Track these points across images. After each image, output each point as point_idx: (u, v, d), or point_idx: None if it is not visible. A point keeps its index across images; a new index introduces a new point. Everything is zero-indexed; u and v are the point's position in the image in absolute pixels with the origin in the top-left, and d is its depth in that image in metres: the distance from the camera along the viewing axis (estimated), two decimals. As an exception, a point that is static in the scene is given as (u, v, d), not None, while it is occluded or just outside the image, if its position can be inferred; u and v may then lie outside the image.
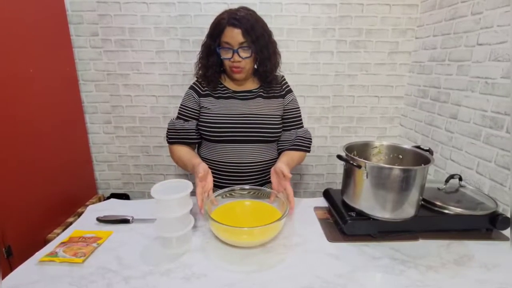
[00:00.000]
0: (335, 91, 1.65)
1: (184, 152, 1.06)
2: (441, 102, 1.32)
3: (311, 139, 1.14)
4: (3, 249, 1.04)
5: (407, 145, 0.94)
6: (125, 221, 0.87)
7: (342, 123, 1.71)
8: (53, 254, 0.73)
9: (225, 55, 1.01)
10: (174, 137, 1.09)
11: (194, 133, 1.08)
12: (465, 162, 1.16)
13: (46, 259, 0.71)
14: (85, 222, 0.89)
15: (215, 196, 0.89)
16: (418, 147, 0.90)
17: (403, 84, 1.64)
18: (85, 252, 0.73)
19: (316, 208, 0.99)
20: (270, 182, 1.14)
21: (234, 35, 0.97)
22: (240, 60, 1.00)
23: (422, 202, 0.86)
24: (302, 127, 1.16)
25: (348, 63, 1.60)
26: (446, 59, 1.29)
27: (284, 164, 0.93)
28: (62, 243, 0.78)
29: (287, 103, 1.13)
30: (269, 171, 1.13)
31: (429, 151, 0.87)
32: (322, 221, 0.91)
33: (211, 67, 1.06)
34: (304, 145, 1.11)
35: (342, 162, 0.86)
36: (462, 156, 1.18)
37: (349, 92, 1.65)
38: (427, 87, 1.44)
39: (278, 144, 1.14)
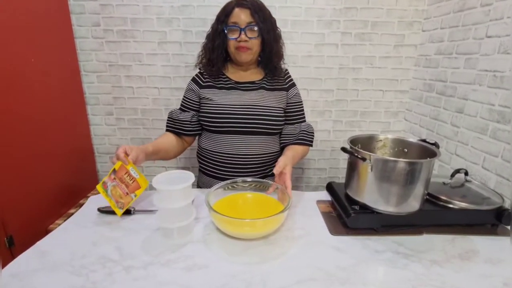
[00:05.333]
0: (339, 85, 1.63)
1: (160, 139, 1.09)
2: (447, 96, 1.30)
3: (314, 133, 1.14)
4: (5, 238, 1.04)
5: (413, 139, 0.92)
6: (126, 211, 0.87)
7: (345, 117, 1.69)
8: (105, 188, 0.81)
9: (232, 35, 1.01)
10: (169, 125, 1.13)
11: (188, 125, 1.09)
12: (471, 157, 1.14)
13: (100, 190, 0.83)
14: (86, 213, 0.88)
15: (217, 189, 0.88)
16: (424, 140, 0.89)
17: (408, 78, 1.62)
18: (123, 203, 0.82)
19: (318, 202, 0.98)
20: (271, 175, 1.14)
21: (241, 15, 0.99)
22: (247, 39, 1.00)
23: (427, 196, 0.85)
24: (305, 121, 1.15)
25: (352, 56, 1.58)
26: (454, 52, 1.27)
27: (289, 159, 0.92)
28: (114, 170, 0.83)
29: (291, 97, 1.12)
30: (271, 165, 1.13)
31: (435, 144, 0.86)
32: (325, 214, 0.90)
33: (217, 49, 1.05)
34: (308, 139, 1.11)
35: (345, 157, 0.85)
36: (468, 151, 1.16)
37: (353, 86, 1.63)
38: (433, 81, 1.41)
39: (281, 138, 1.13)
